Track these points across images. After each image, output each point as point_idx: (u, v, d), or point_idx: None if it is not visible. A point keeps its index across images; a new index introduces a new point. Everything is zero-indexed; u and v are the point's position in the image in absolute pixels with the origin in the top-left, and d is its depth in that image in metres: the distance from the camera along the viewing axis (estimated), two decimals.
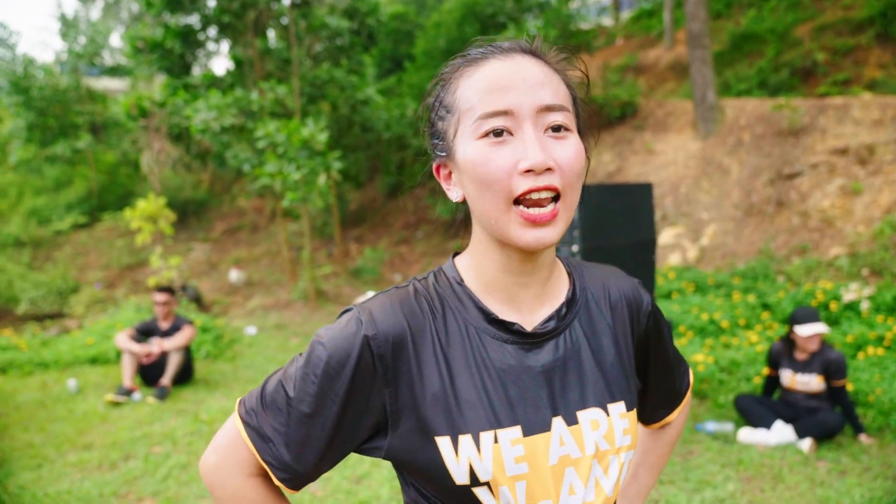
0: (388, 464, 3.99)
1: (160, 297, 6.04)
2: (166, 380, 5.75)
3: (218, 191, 18.11)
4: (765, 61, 13.89)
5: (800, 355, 4.39)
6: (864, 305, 6.01)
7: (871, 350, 5.32)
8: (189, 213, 16.63)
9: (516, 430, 0.86)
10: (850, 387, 4.63)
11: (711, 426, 4.53)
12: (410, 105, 10.87)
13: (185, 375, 6.04)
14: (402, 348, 0.87)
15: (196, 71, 12.08)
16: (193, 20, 10.71)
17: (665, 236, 8.92)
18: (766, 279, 7.37)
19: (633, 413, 0.95)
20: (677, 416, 1.17)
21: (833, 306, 6.16)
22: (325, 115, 9.73)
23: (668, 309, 6.74)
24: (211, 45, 12.58)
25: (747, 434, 4.35)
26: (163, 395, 5.61)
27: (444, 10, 13.31)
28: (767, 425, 4.38)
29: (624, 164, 10.95)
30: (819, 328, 4.25)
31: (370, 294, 6.79)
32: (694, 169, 9.85)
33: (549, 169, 0.83)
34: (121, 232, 14.96)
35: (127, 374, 5.71)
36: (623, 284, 1.04)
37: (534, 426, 0.87)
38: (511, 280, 0.92)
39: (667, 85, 15.51)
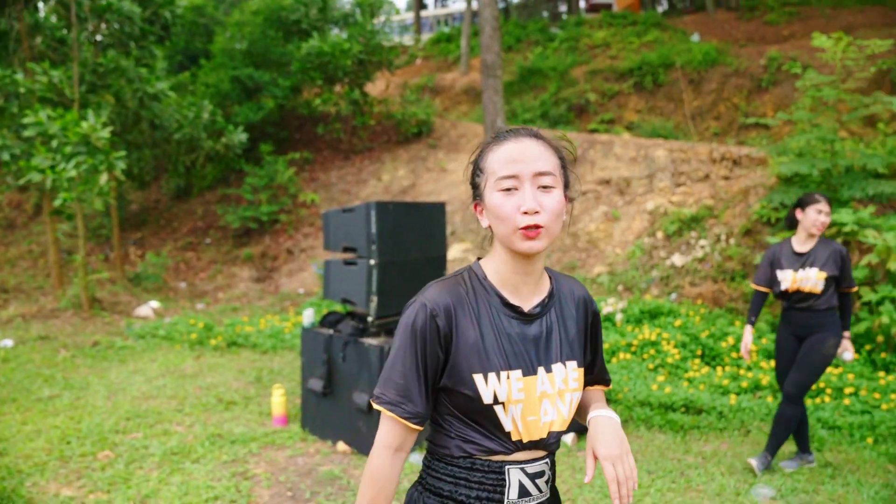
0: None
1: None
2: None
3: None
4: (547, 95, 15.36)
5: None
6: (619, 317, 6.95)
7: (622, 355, 6.18)
8: None
9: (518, 373, 1.39)
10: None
11: None
12: (207, 107, 10.34)
13: None
14: (450, 316, 1.39)
15: None
16: None
17: (454, 251, 9.49)
18: None
19: (581, 370, 1.49)
20: (594, 390, 1.68)
21: None
22: (108, 108, 8.91)
23: None
24: None
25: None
26: None
27: (246, 9, 12.91)
28: None
29: (418, 181, 11.44)
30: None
31: (153, 303, 6.36)
32: None
33: (537, 211, 1.33)
34: None
35: None
36: (582, 290, 1.58)
37: (528, 370, 1.40)
38: (517, 278, 1.43)
39: (461, 107, 16.47)
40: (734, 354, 6.16)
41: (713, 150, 9.43)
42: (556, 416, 1.43)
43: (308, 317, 4.87)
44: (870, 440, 4.66)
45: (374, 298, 4.28)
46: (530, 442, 1.41)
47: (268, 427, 4.84)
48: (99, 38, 10.01)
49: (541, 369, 1.42)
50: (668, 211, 8.74)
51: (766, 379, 5.57)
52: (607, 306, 7.14)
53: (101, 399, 5.46)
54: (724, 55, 14.65)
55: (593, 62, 16.44)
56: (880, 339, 5.92)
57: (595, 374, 1.65)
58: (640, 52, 16.05)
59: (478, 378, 1.37)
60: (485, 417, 1.39)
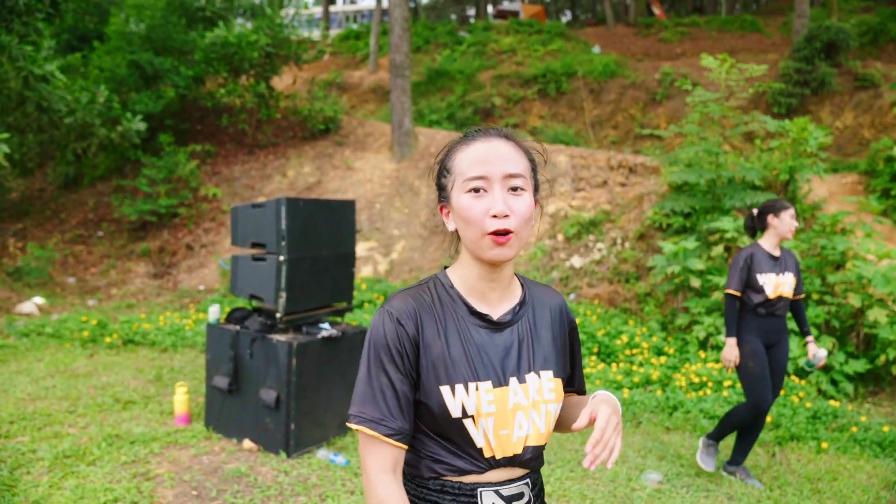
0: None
1: None
2: None
3: None
4: (454, 97, 15.61)
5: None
6: None
7: None
8: None
9: (488, 384, 1.32)
10: None
11: None
12: (103, 92, 9.80)
13: None
14: (416, 321, 1.33)
15: None
16: None
17: (359, 249, 9.51)
18: None
19: (558, 380, 1.42)
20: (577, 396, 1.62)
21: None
22: None
23: (360, 318, 7.23)
24: None
25: None
26: None
27: None
28: None
29: (324, 178, 11.35)
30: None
31: (38, 299, 6.02)
32: (389, 188, 10.67)
33: (507, 215, 1.28)
34: None
35: None
36: (558, 299, 1.53)
37: (498, 382, 1.33)
38: (484, 285, 1.38)
39: (368, 106, 16.45)
40: (627, 352, 6.55)
41: (611, 157, 9.94)
42: (531, 429, 1.36)
43: (213, 313, 4.78)
44: None
45: (283, 294, 4.26)
46: (504, 459, 1.34)
47: (170, 426, 4.71)
48: None
49: (513, 380, 1.34)
50: (568, 214, 9.14)
51: (657, 374, 5.97)
52: None
53: None
54: (623, 68, 15.43)
55: (500, 67, 16.86)
56: None
57: (575, 386, 1.57)
58: (545, 60, 16.63)
59: (444, 390, 1.30)
60: (455, 433, 1.31)
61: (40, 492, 3.62)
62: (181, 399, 4.75)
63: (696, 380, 5.94)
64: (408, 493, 1.36)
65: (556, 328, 1.47)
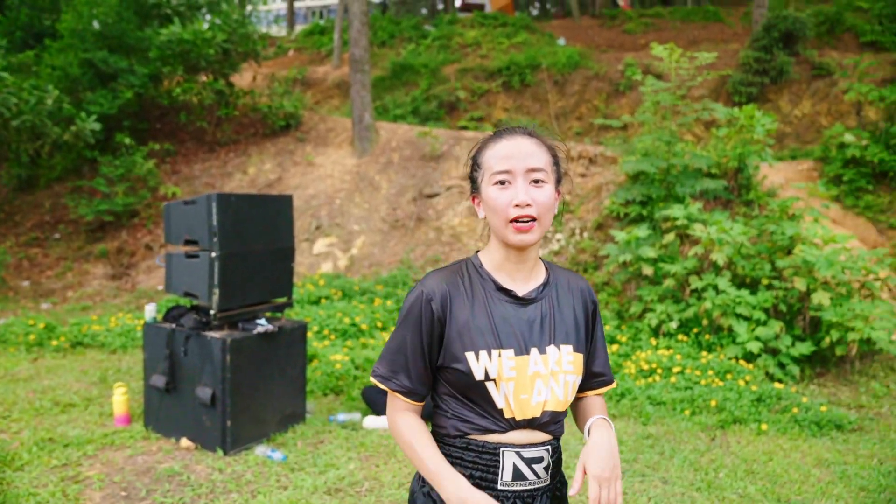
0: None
1: None
2: None
3: None
4: (419, 92, 15.55)
5: None
6: None
7: None
8: None
9: (511, 352, 1.48)
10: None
11: (342, 417, 5.01)
12: (52, 92, 9.59)
13: None
14: (445, 300, 1.50)
15: None
16: None
17: (319, 245, 9.44)
18: (405, 286, 8.31)
19: (578, 355, 1.56)
20: (595, 397, 1.72)
21: None
22: None
23: (315, 314, 7.18)
24: None
25: (371, 421, 4.92)
26: None
27: None
28: None
29: (285, 174, 11.26)
30: None
31: None
32: (349, 183, 10.61)
33: (529, 205, 1.44)
34: None
35: None
36: (582, 282, 1.68)
37: (520, 350, 1.49)
38: (511, 266, 1.55)
39: (332, 101, 16.34)
40: None
41: (571, 148, 9.96)
42: (549, 395, 1.50)
43: (150, 311, 4.71)
44: (687, 412, 5.15)
45: (216, 291, 4.21)
46: (524, 421, 1.48)
47: (108, 428, 4.63)
48: None
49: (534, 350, 1.50)
50: None
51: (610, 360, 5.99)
52: None
53: None
54: (587, 59, 15.47)
55: (464, 61, 16.82)
56: (705, 322, 6.53)
57: (597, 368, 1.69)
58: (509, 52, 16.62)
59: (469, 356, 1.46)
60: (478, 394, 1.47)
61: None
62: (119, 400, 4.67)
63: (646, 367, 5.98)
64: None
65: (578, 308, 1.62)
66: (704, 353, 6.16)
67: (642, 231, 7.04)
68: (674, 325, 6.63)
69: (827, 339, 6.00)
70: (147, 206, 11.15)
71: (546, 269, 1.64)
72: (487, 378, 1.45)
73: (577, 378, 1.54)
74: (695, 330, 6.59)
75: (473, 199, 1.60)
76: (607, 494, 1.40)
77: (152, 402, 4.57)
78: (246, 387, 4.28)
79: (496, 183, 1.48)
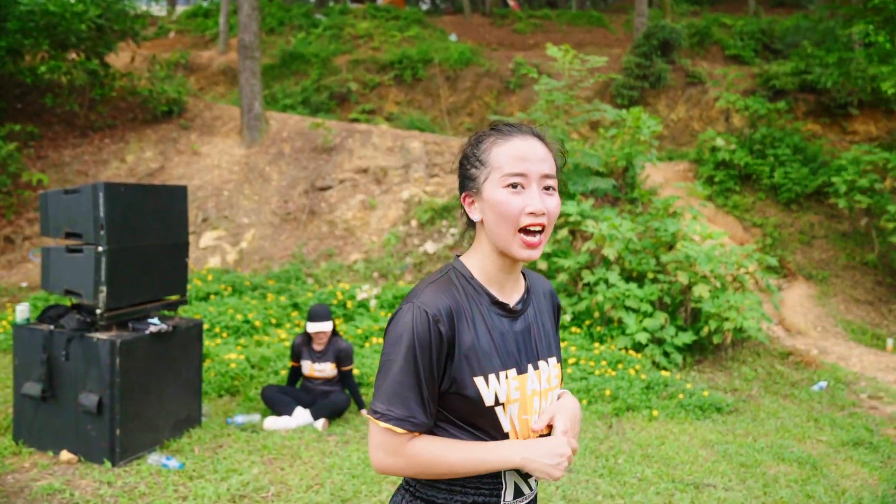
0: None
1: None
2: None
3: None
4: (309, 81, 15.16)
5: (316, 347, 4.98)
6: (373, 303, 7.13)
7: (375, 340, 6.35)
8: None
9: (513, 371, 1.38)
10: (356, 371, 5.45)
11: (241, 419, 4.79)
12: None
13: None
14: (451, 321, 1.33)
15: None
16: None
17: (206, 239, 8.99)
18: (298, 281, 8.08)
19: (560, 365, 1.50)
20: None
21: (349, 304, 7.15)
22: None
23: (205, 311, 6.83)
24: None
25: (272, 422, 4.74)
26: None
27: None
28: (290, 412, 4.85)
29: (168, 164, 10.62)
30: (324, 326, 4.88)
31: None
32: (238, 174, 10.17)
33: (543, 213, 1.33)
34: None
35: None
36: (547, 284, 1.60)
37: (520, 369, 1.39)
38: (503, 276, 1.42)
39: (218, 88, 15.60)
40: None
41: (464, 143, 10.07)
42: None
43: (22, 312, 4.27)
44: (584, 402, 5.35)
45: (104, 289, 3.88)
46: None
47: None
48: None
49: (530, 367, 1.42)
50: (422, 200, 9.16)
51: None
52: (361, 293, 7.29)
53: None
54: (478, 56, 15.70)
55: (356, 52, 16.59)
56: (597, 314, 6.81)
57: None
58: (402, 46, 16.56)
59: (479, 381, 1.33)
60: (484, 420, 1.35)
61: None
62: None
63: None
64: (432, 482, 1.38)
65: (549, 314, 1.54)
66: (597, 345, 6.43)
67: None
68: (567, 317, 6.87)
69: (706, 329, 6.44)
70: (7, 195, 10.14)
71: (523, 275, 1.53)
72: (497, 403, 1.35)
73: (560, 391, 1.50)
74: (587, 322, 6.86)
75: (464, 198, 1.43)
76: (571, 435, 1.42)
77: (24, 413, 4.15)
78: (137, 391, 3.99)
79: (508, 185, 1.34)
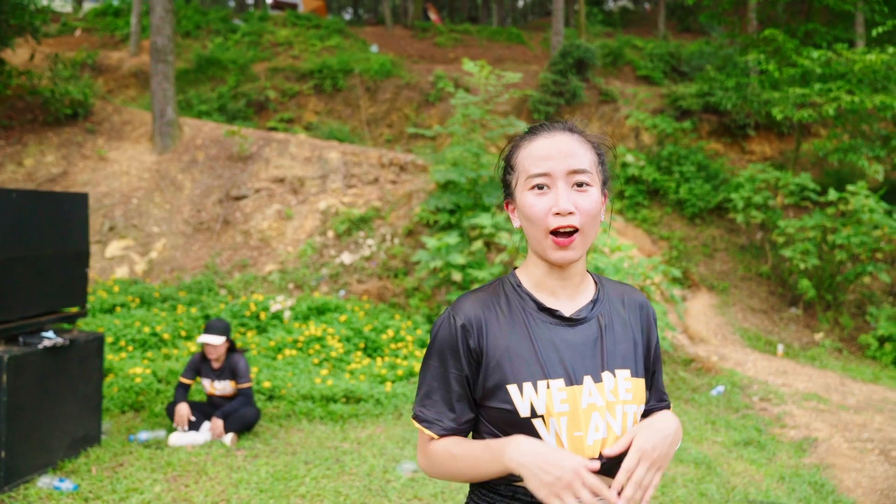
0: None
1: None
2: None
3: None
4: (226, 88, 14.83)
5: (213, 364, 4.86)
6: (287, 314, 7.03)
7: (287, 352, 6.27)
8: None
9: (561, 382, 1.26)
10: (266, 384, 5.36)
11: (144, 435, 4.62)
12: None
13: None
14: (480, 327, 1.31)
15: None
16: None
17: (112, 248, 8.63)
18: (210, 292, 7.87)
19: (638, 380, 1.34)
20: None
21: (263, 316, 7.02)
22: None
23: (110, 324, 6.55)
24: None
25: (177, 438, 4.60)
26: None
27: None
28: (197, 427, 4.72)
29: (71, 169, 10.14)
30: (211, 339, 4.75)
31: None
32: (148, 182, 9.82)
33: (571, 212, 1.26)
34: None
35: None
36: (639, 296, 1.47)
37: (572, 380, 1.27)
38: (553, 282, 1.36)
39: (128, 91, 15.03)
40: (393, 345, 6.69)
41: (382, 155, 10.10)
42: (606, 432, 1.26)
43: None
44: None
45: None
46: None
47: None
48: None
49: (587, 378, 1.28)
50: (339, 211, 9.12)
51: (419, 366, 6.17)
52: (276, 304, 7.18)
53: None
54: (399, 68, 15.79)
55: (275, 60, 16.36)
56: None
57: (656, 390, 1.48)
58: (322, 55, 16.46)
59: (512, 389, 1.26)
60: (523, 433, 1.25)
61: None
62: None
63: None
64: (480, 497, 1.33)
65: (635, 326, 1.42)
66: None
67: (452, 238, 7.34)
68: None
69: None
70: None
71: (595, 283, 1.44)
72: (534, 415, 1.24)
73: (637, 408, 1.32)
74: None
75: (507, 206, 1.42)
76: (642, 473, 1.20)
77: None
78: (28, 410, 3.79)
79: (533, 188, 1.30)
